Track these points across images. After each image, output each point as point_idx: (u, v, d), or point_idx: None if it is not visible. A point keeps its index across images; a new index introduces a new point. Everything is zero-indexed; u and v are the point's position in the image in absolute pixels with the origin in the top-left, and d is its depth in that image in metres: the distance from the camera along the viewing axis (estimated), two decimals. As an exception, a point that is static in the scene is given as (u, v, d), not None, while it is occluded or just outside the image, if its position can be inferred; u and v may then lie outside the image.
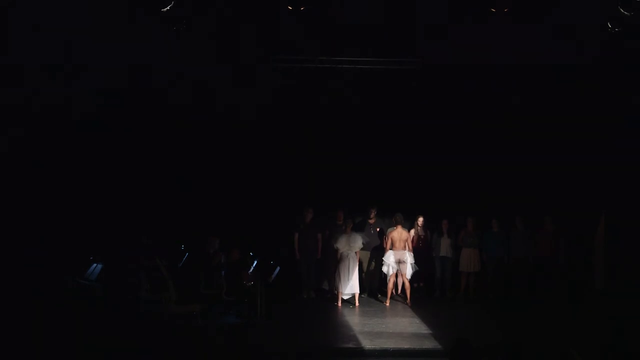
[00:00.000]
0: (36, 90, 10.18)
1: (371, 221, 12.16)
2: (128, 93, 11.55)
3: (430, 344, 8.76)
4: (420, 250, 11.85)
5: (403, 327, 9.88)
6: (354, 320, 10.28)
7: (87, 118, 11.21)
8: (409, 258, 11.29)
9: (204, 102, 12.25)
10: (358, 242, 11.25)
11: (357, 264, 11.25)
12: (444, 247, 12.10)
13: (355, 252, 11.25)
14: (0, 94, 9.93)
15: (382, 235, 11.94)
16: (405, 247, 11.31)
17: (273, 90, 12.48)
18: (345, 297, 11.28)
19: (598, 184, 11.72)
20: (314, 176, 12.69)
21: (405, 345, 8.74)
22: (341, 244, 11.21)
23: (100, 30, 9.83)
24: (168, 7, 9.40)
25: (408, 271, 11.32)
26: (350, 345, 8.74)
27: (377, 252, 11.87)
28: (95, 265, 10.06)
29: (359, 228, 11.94)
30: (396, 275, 11.46)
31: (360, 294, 11.49)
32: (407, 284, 11.39)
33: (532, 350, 8.29)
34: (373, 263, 12.02)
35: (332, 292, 11.69)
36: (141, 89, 11.61)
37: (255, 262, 10.45)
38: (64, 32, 9.71)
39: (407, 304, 11.36)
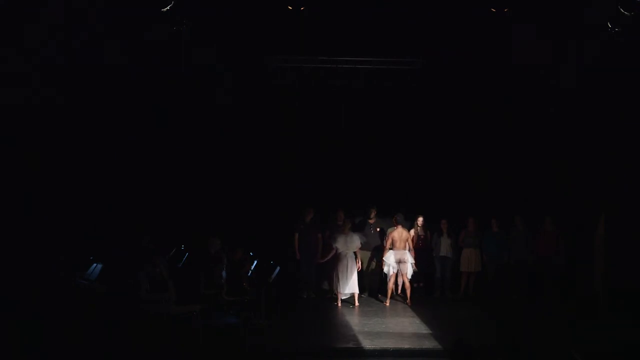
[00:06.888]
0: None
1: (371, 221, 12.15)
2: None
3: (430, 344, 8.75)
4: (420, 250, 11.84)
5: (403, 327, 9.87)
6: (354, 320, 10.27)
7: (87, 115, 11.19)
8: (409, 258, 11.29)
9: (204, 102, 12.26)
10: (356, 242, 11.25)
11: (356, 263, 11.25)
12: (444, 247, 12.11)
13: (355, 252, 11.26)
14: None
15: (383, 235, 11.93)
16: (406, 246, 11.31)
17: (273, 90, 12.47)
18: (344, 297, 11.28)
19: (598, 184, 11.70)
20: (314, 176, 12.70)
21: (405, 345, 8.74)
22: (340, 244, 11.21)
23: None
24: (168, 7, 9.40)
25: (409, 271, 11.32)
26: (350, 345, 8.74)
27: (377, 252, 11.87)
28: (95, 265, 10.04)
29: (359, 228, 11.94)
30: (396, 275, 11.46)
31: (360, 294, 11.49)
32: (408, 284, 11.38)
33: (532, 351, 8.32)
34: (373, 263, 12.02)
35: (333, 293, 11.69)
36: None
37: (255, 262, 10.44)
38: None
39: (407, 304, 11.36)
